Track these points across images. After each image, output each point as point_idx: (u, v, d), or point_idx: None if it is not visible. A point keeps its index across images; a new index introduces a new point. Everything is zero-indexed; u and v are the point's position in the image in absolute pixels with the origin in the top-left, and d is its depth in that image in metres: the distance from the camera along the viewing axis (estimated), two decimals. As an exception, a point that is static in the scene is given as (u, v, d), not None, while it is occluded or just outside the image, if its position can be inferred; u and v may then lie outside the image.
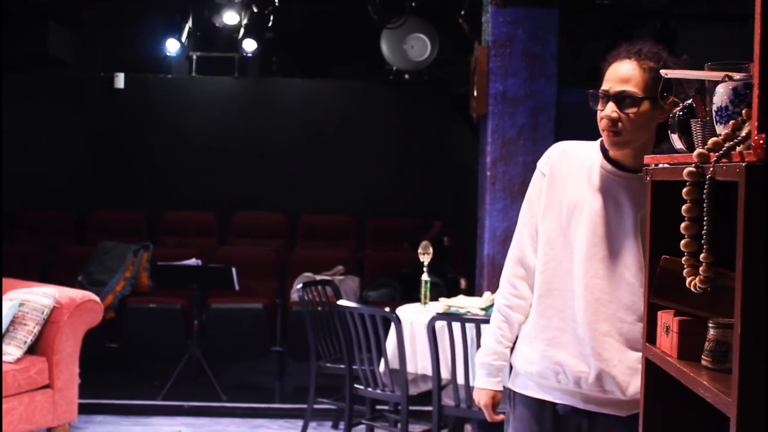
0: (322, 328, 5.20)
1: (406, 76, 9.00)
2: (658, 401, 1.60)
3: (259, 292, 7.29)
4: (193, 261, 6.50)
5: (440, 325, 4.21)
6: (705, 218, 1.28)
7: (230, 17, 7.89)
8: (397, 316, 4.34)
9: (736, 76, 1.44)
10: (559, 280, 2.32)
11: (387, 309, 4.47)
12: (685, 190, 1.33)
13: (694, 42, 8.02)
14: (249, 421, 5.73)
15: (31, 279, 5.42)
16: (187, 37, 8.44)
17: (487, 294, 4.86)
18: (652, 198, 1.60)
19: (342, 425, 5.56)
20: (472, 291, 6.04)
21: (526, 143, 5.37)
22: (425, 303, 4.88)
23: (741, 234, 1.18)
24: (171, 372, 6.14)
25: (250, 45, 8.08)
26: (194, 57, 8.97)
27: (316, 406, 5.28)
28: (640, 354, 2.13)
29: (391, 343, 4.52)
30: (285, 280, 7.63)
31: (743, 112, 1.35)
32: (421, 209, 9.11)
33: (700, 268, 1.29)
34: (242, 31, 8.12)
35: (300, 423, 5.66)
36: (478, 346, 4.10)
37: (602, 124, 2.24)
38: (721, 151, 1.30)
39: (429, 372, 4.66)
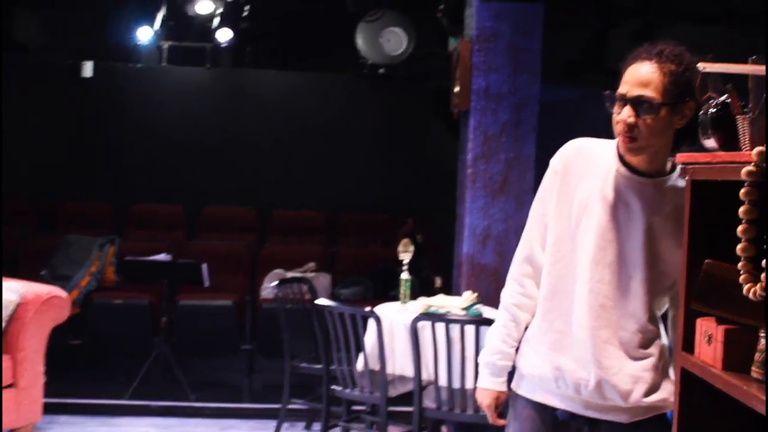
0: (297, 326, 5.06)
1: (381, 70, 8.86)
2: (693, 413, 1.49)
3: (229, 289, 7.12)
4: (162, 256, 6.30)
5: (420, 325, 4.09)
6: (769, 221, 1.17)
7: (204, 6, 7.70)
8: (378, 316, 4.21)
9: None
10: (564, 282, 2.25)
11: (368, 308, 4.34)
12: (743, 191, 1.22)
13: (674, 40, 7.98)
14: (219, 422, 5.56)
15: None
16: (161, 25, 8.23)
17: (467, 293, 4.74)
18: (692, 198, 1.49)
19: (315, 426, 5.44)
20: (448, 290, 5.93)
21: (508, 140, 5.26)
22: (405, 302, 4.76)
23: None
24: (138, 370, 5.96)
25: (224, 35, 7.90)
26: (165, 46, 8.76)
27: (288, 407, 5.12)
28: (640, 362, 2.18)
29: (368, 343, 4.39)
30: (255, 276, 7.46)
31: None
32: (393, 206, 8.99)
33: (762, 275, 1.18)
34: (216, 20, 7.93)
35: (271, 423, 5.52)
36: (462, 347, 3.99)
37: (618, 128, 2.14)
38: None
39: (407, 373, 4.54)
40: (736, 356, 1.36)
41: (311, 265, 7.36)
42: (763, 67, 1.39)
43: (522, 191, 5.25)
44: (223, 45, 8.09)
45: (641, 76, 2.10)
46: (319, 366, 4.91)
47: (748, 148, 1.37)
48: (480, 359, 2.44)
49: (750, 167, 1.21)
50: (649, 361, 2.20)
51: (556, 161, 2.32)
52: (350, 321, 4.25)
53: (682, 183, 1.99)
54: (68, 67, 8.60)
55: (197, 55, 8.81)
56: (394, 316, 4.50)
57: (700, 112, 1.66)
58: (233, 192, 8.79)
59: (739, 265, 1.24)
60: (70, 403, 5.57)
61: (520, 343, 2.40)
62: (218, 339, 6.75)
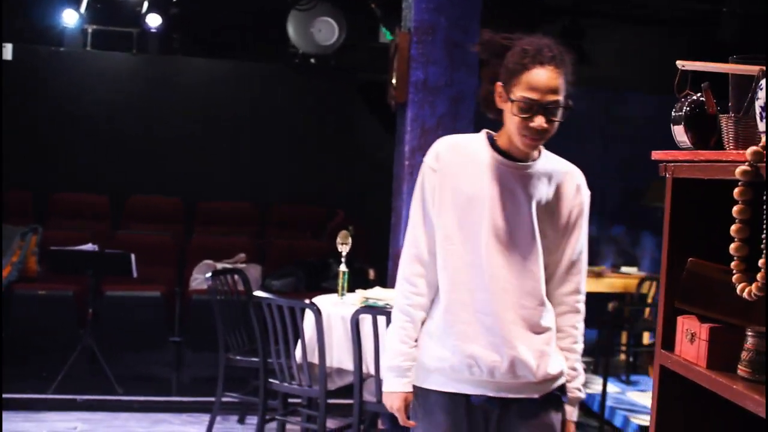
0: (230, 318, 4.98)
1: (312, 60, 8.79)
2: (673, 410, 1.51)
3: (156, 280, 6.98)
4: (89, 246, 6.12)
5: (360, 318, 4.05)
6: (766, 221, 1.18)
7: (133, -10, 7.50)
8: (318, 308, 4.17)
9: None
10: (462, 273, 2.32)
11: (307, 300, 4.28)
12: (737, 190, 1.23)
13: (601, 40, 8.14)
14: (149, 416, 5.45)
15: None
16: (87, 8, 7.97)
17: (405, 286, 4.74)
18: (673, 196, 1.50)
19: (248, 419, 5.37)
20: (382, 282, 5.93)
21: (445, 133, 5.17)
22: (342, 294, 4.73)
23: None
24: (62, 364, 5.79)
25: (154, 20, 7.70)
26: (90, 30, 8.49)
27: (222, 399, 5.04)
28: (542, 336, 2.34)
29: (306, 336, 4.34)
30: (184, 267, 7.33)
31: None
32: (323, 197, 8.94)
33: (758, 275, 1.19)
34: (146, 5, 7.72)
35: (203, 417, 5.43)
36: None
37: (527, 131, 2.23)
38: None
39: (345, 366, 4.51)
40: (721, 355, 1.38)
41: (241, 256, 7.27)
42: (744, 67, 1.40)
43: (459, 184, 5.27)
44: (152, 30, 7.87)
45: (549, 83, 2.20)
46: (255, 359, 4.84)
47: (732, 147, 1.38)
48: (383, 364, 2.46)
49: (744, 166, 1.22)
50: (549, 335, 2.37)
51: (432, 160, 2.36)
52: (289, 313, 4.19)
53: (550, 166, 2.34)
54: (-13, 49, 8.28)
55: (123, 40, 8.58)
56: (332, 309, 4.46)
57: (673, 110, 1.67)
58: (159, 181, 8.60)
59: (732, 264, 1.25)
60: (-9, 398, 5.39)
61: (416, 341, 2.43)
62: (146, 331, 6.61)
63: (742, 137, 1.32)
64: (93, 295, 6.06)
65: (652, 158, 1.63)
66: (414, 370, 2.41)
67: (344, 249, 4.75)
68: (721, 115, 1.47)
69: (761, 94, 1.26)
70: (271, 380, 4.40)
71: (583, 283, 2.45)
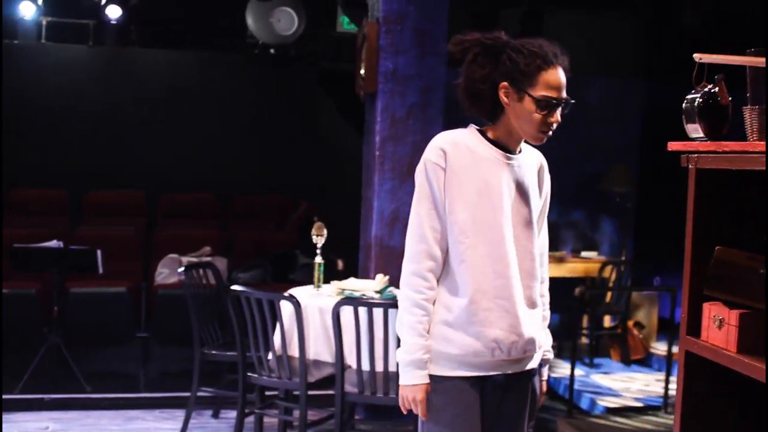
0: (205, 313, 4.94)
1: (272, 50, 8.73)
2: (696, 394, 1.54)
3: (121, 276, 6.89)
4: (54, 243, 6.02)
5: (332, 309, 4.04)
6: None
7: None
8: (297, 301, 4.16)
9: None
10: (481, 264, 2.44)
11: (287, 293, 4.27)
12: (774, 180, 1.26)
13: (559, 26, 8.21)
14: (121, 413, 5.39)
15: None
16: (44, 0, 7.80)
17: (379, 276, 4.75)
18: (697, 186, 1.53)
19: (223, 413, 5.35)
20: (351, 272, 5.93)
21: (416, 123, 5.28)
22: (318, 286, 4.73)
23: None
24: (28, 363, 5.69)
25: (114, 11, 7.56)
26: (44, 22, 8.32)
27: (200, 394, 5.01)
28: (538, 310, 2.55)
29: (285, 328, 4.34)
30: (149, 261, 7.24)
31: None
32: (286, 188, 8.90)
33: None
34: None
35: (177, 413, 5.40)
36: (385, 330, 3.99)
37: (543, 127, 2.41)
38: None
39: (322, 357, 4.52)
40: (751, 339, 1.42)
41: (207, 249, 7.21)
42: (761, 59, 1.43)
43: (430, 173, 5.29)
44: (112, 22, 7.74)
45: (561, 81, 2.41)
46: (230, 353, 4.82)
47: (756, 138, 1.42)
48: (403, 358, 2.47)
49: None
50: (541, 307, 2.59)
51: (438, 158, 2.43)
52: (268, 306, 4.18)
53: (528, 154, 2.54)
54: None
55: (79, 32, 8.41)
56: (308, 301, 4.46)
57: (684, 103, 1.70)
58: (119, 175, 8.48)
59: (769, 253, 1.29)
60: (-44, 400, 5.28)
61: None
62: (112, 327, 6.54)
63: (766, 128, 1.35)
64: (58, 292, 5.96)
65: (669, 149, 1.66)
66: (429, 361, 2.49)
67: (319, 240, 4.76)
68: (744, 107, 1.51)
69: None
70: (249, 374, 4.38)
71: (546, 250, 2.67)
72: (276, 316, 4.27)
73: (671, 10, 7.82)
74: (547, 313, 2.67)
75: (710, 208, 1.51)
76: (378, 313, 4.04)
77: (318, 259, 4.72)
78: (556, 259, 7.31)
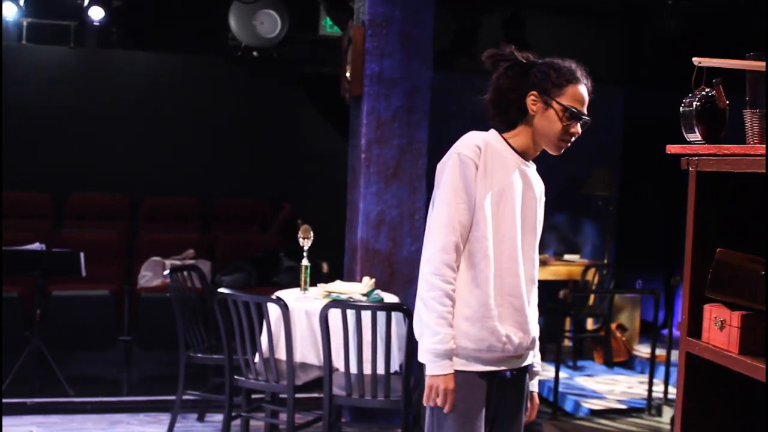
0: (190, 316, 4.92)
1: (255, 53, 8.71)
2: (696, 395, 1.56)
3: (103, 279, 6.84)
4: (36, 245, 5.97)
5: (320, 312, 4.03)
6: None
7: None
8: (285, 303, 4.15)
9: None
10: (497, 262, 2.55)
11: (275, 296, 4.26)
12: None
13: (541, 30, 8.25)
14: (106, 417, 5.35)
15: None
16: (26, 1, 7.74)
17: (366, 279, 4.75)
18: (697, 189, 1.55)
19: (208, 417, 5.33)
20: (336, 275, 5.93)
21: (401, 125, 5.29)
22: (305, 289, 4.72)
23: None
24: (10, 366, 5.64)
25: (97, 13, 7.51)
26: (25, 23, 8.25)
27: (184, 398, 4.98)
28: (535, 311, 2.69)
29: (272, 331, 4.32)
30: (131, 265, 7.20)
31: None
32: (269, 191, 8.88)
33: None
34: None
35: (160, 416, 5.38)
36: (373, 333, 3.99)
37: (564, 137, 2.57)
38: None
39: (309, 360, 4.51)
40: (752, 341, 1.43)
41: (190, 252, 7.18)
42: (761, 63, 1.45)
43: (415, 176, 5.31)
44: (94, 23, 7.68)
45: (585, 97, 2.58)
46: (216, 356, 4.80)
47: (757, 141, 1.43)
48: (436, 348, 2.50)
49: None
50: (536, 310, 2.71)
51: (474, 155, 2.54)
52: (255, 309, 4.17)
53: (535, 171, 2.67)
54: None
55: (60, 34, 8.35)
56: (295, 304, 4.46)
57: (681, 106, 1.72)
58: (101, 178, 8.42)
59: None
60: (-61, 405, 5.22)
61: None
62: (94, 331, 6.47)
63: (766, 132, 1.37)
64: (40, 295, 5.91)
65: (668, 152, 1.67)
66: None
67: (306, 243, 4.75)
68: (744, 111, 1.53)
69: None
70: (235, 377, 4.36)
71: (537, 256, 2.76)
72: (263, 318, 4.26)
73: (652, 16, 7.88)
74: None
75: (710, 210, 1.53)
76: (366, 315, 4.04)
77: (304, 262, 4.72)
78: (539, 262, 7.34)
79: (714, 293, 1.52)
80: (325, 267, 6.47)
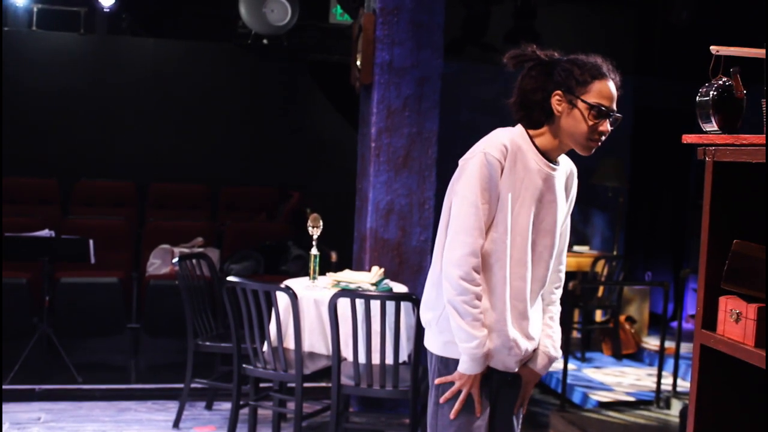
0: (199, 304, 4.91)
1: (265, 41, 8.68)
2: (712, 388, 1.54)
3: (111, 266, 6.84)
4: (45, 232, 5.97)
5: (328, 301, 4.02)
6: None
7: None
8: (294, 292, 4.14)
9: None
10: (508, 266, 2.52)
11: (284, 284, 4.25)
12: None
13: (552, 20, 8.20)
14: (114, 404, 5.35)
15: None
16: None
17: (375, 268, 4.74)
18: (714, 179, 1.52)
19: (216, 405, 5.33)
20: (347, 264, 5.91)
21: (411, 114, 5.27)
22: (314, 278, 4.71)
23: None
24: (19, 353, 5.65)
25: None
26: (35, 9, 8.24)
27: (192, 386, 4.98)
28: (538, 309, 2.65)
29: (281, 320, 4.32)
30: (140, 252, 7.19)
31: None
32: (277, 179, 8.87)
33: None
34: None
35: (168, 404, 5.38)
36: (382, 322, 3.98)
37: (594, 136, 2.46)
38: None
39: (317, 350, 4.51)
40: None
41: (199, 240, 7.18)
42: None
43: (425, 166, 5.28)
44: (104, 10, 7.66)
45: (613, 93, 2.47)
46: (224, 344, 4.80)
47: (775, 131, 1.41)
48: (474, 353, 2.51)
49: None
50: (540, 306, 2.68)
51: (500, 156, 2.48)
52: (264, 297, 4.16)
53: (562, 164, 2.59)
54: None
55: (70, 20, 8.34)
56: (304, 292, 4.45)
57: (698, 95, 1.69)
58: (109, 164, 8.43)
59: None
60: (-53, 390, 5.24)
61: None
62: (103, 318, 6.47)
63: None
64: (48, 282, 5.92)
65: (683, 142, 1.65)
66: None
67: (315, 232, 4.73)
68: (763, 100, 1.50)
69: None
70: (244, 365, 4.36)
71: (565, 253, 2.73)
72: (271, 307, 4.25)
73: (663, 6, 7.83)
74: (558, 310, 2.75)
75: (727, 201, 1.51)
76: (375, 305, 4.02)
77: (313, 251, 4.70)
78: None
79: (729, 285, 1.49)
80: (333, 256, 6.44)
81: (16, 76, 8.28)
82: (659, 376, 5.92)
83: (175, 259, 4.90)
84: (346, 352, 4.26)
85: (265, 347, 4.31)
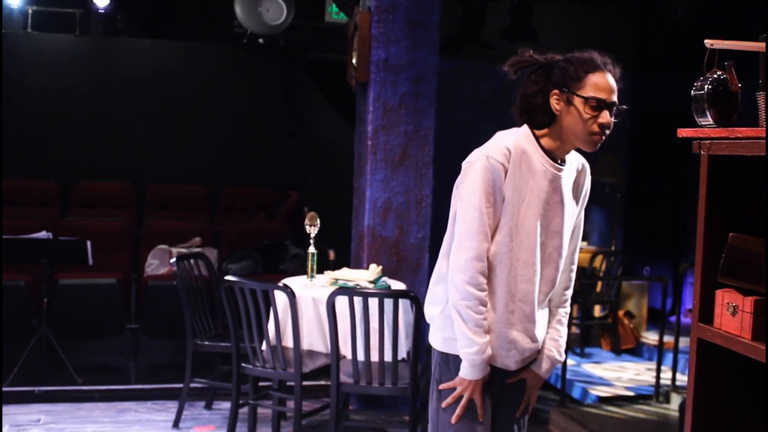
0: (197, 304, 4.92)
1: (260, 40, 8.68)
2: (710, 381, 1.54)
3: (110, 267, 6.84)
4: (42, 234, 5.97)
5: (326, 299, 4.02)
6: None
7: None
8: (292, 291, 4.14)
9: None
10: (513, 268, 2.52)
11: (282, 283, 4.25)
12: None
13: (548, 17, 8.20)
14: (113, 405, 5.35)
15: None
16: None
17: (372, 266, 4.74)
18: (709, 173, 1.52)
19: (216, 404, 5.33)
20: (342, 262, 5.91)
21: (407, 112, 5.27)
22: (312, 276, 4.71)
23: None
24: (18, 354, 5.65)
25: (102, 0, 7.49)
26: (30, 11, 8.23)
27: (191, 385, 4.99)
28: (546, 311, 2.64)
29: (279, 319, 4.32)
30: (138, 253, 7.19)
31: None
32: (275, 179, 8.86)
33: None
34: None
35: (168, 404, 5.38)
36: (380, 320, 3.98)
37: (594, 128, 2.44)
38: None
39: (315, 348, 4.51)
40: (765, 326, 1.41)
41: (197, 240, 7.18)
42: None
43: (422, 163, 5.28)
44: (100, 11, 7.66)
45: (611, 85, 2.45)
46: (223, 344, 4.80)
47: (770, 124, 1.41)
48: (474, 359, 2.52)
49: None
50: (547, 307, 2.66)
51: (503, 158, 2.48)
52: (262, 296, 4.16)
53: (571, 164, 2.57)
54: None
55: (65, 21, 8.33)
56: (302, 291, 4.45)
57: (693, 89, 1.69)
58: (107, 166, 8.42)
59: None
60: (-54, 393, 5.23)
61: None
62: (102, 319, 6.47)
63: (781, 114, 1.35)
64: (47, 284, 5.92)
65: (679, 136, 1.65)
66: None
67: (312, 231, 4.74)
68: (758, 93, 1.50)
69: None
70: (243, 364, 4.36)
71: (577, 252, 2.72)
72: (270, 306, 4.25)
73: (660, 3, 7.83)
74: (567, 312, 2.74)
75: (722, 194, 1.51)
76: (373, 303, 4.03)
77: (311, 249, 4.70)
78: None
79: (726, 278, 1.50)
80: (331, 254, 6.43)
81: (12, 78, 8.27)
82: (658, 371, 5.93)
83: (173, 260, 4.90)
84: (345, 350, 4.26)
85: (264, 346, 4.31)
